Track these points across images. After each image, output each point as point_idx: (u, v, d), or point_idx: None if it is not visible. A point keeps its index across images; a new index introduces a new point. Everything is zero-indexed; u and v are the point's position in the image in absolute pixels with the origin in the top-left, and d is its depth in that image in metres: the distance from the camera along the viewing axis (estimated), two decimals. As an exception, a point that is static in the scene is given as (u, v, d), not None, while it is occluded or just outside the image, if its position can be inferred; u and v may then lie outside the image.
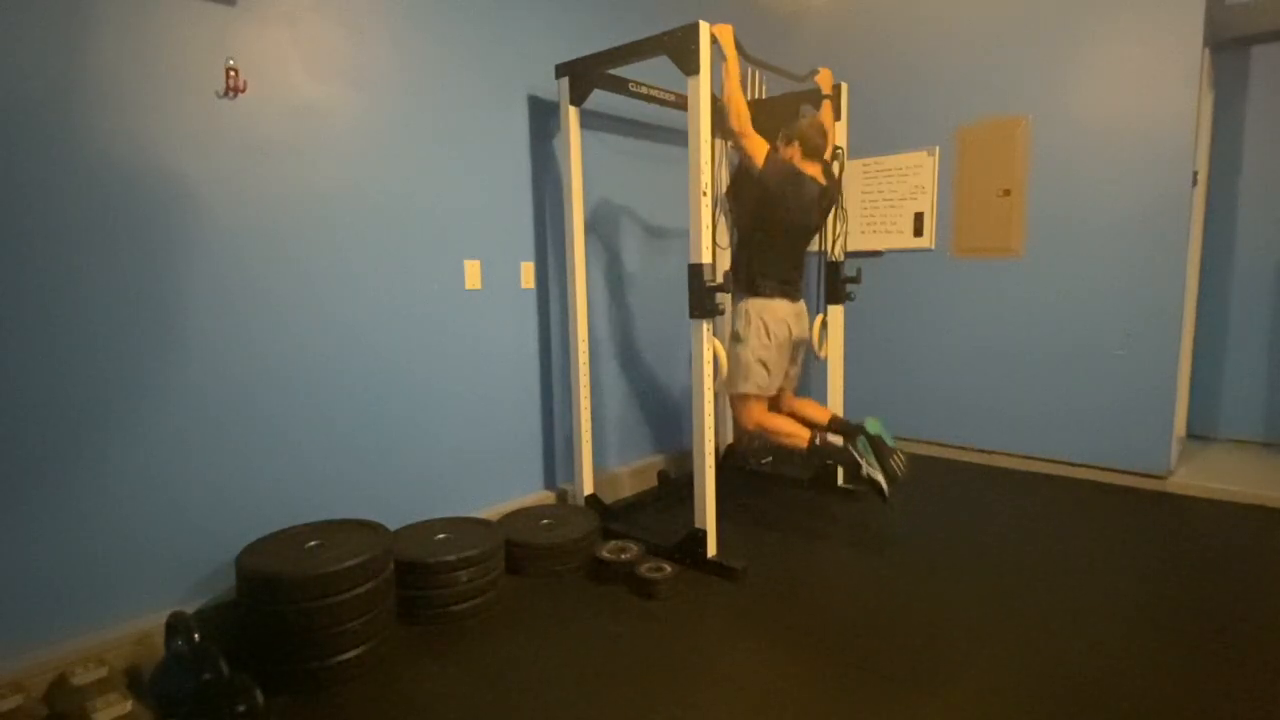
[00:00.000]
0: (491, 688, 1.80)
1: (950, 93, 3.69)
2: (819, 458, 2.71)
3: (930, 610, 2.16)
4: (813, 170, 2.67)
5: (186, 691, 1.60)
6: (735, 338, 2.76)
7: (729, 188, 3.02)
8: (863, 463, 2.56)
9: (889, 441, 2.61)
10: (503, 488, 2.81)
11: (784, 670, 1.86)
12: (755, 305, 2.71)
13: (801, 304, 2.83)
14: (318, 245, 2.19)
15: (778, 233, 2.69)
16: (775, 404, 2.86)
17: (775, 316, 2.70)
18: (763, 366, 2.70)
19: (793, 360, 2.86)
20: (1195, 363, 3.85)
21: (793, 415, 2.83)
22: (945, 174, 3.76)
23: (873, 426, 2.63)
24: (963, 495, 3.27)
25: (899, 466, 2.57)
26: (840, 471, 3.26)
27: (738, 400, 2.80)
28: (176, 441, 1.92)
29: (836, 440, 2.66)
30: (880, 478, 2.53)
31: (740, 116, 2.50)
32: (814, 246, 3.19)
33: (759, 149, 2.55)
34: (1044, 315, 3.50)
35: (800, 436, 2.67)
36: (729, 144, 3.28)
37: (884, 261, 4.01)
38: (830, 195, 2.78)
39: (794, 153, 2.66)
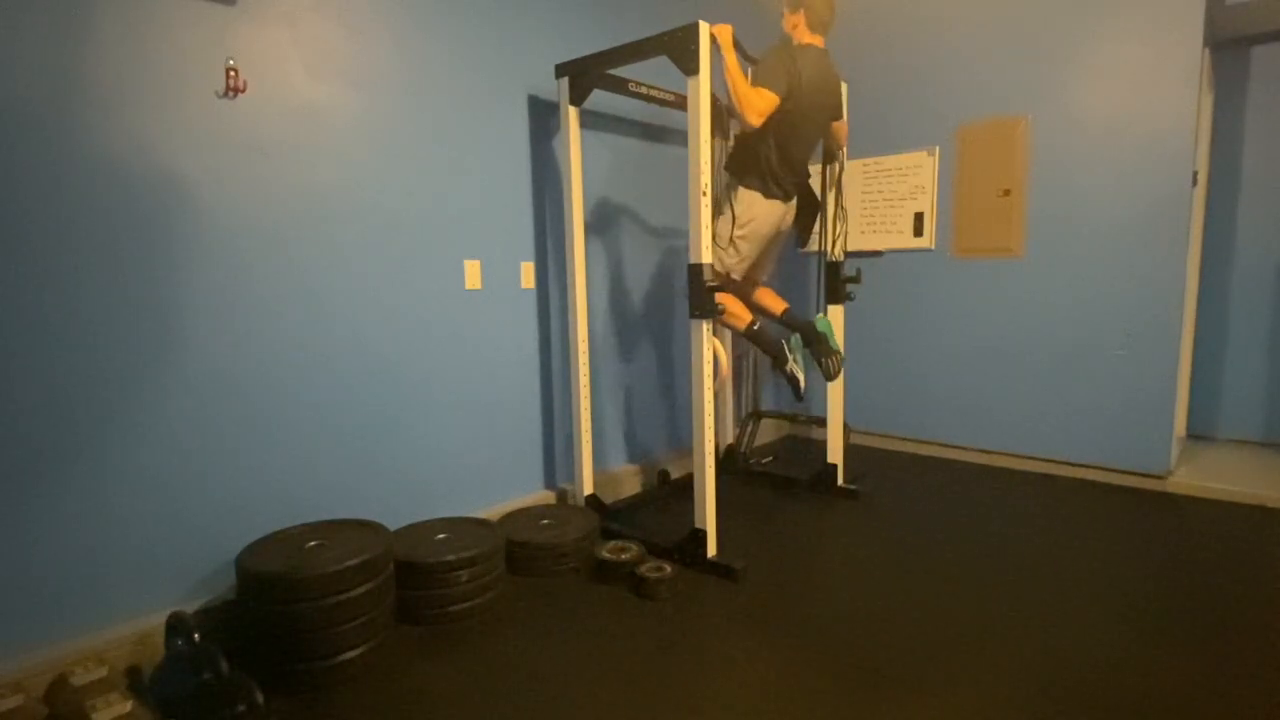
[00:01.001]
0: (491, 688, 1.80)
1: (950, 93, 3.69)
2: (753, 341, 2.80)
3: (930, 610, 2.16)
4: (814, 42, 2.59)
5: (186, 691, 1.60)
6: (719, 209, 2.68)
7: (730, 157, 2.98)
8: (789, 357, 2.67)
9: (832, 343, 2.71)
10: (503, 488, 2.81)
11: (784, 670, 1.86)
12: (748, 195, 2.66)
13: (794, 201, 2.80)
14: (317, 245, 2.19)
15: (791, 122, 2.57)
16: (739, 290, 2.85)
17: (766, 214, 2.68)
18: (734, 246, 2.68)
19: (768, 252, 2.86)
20: (1195, 363, 3.85)
21: (747, 300, 2.84)
22: (945, 174, 3.75)
23: (821, 324, 2.71)
24: (963, 495, 3.27)
25: (834, 366, 2.69)
26: (840, 471, 3.27)
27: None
28: (176, 441, 1.92)
29: (771, 331, 2.72)
30: (800, 375, 2.63)
31: (737, 81, 2.39)
32: (814, 246, 3.20)
33: (750, 107, 2.39)
34: (1044, 315, 3.50)
35: (742, 319, 2.71)
36: (728, 143, 3.27)
37: (884, 261, 4.01)
38: (838, 84, 2.75)
39: (798, 21, 2.59)
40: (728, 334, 3.32)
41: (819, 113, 2.70)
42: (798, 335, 2.72)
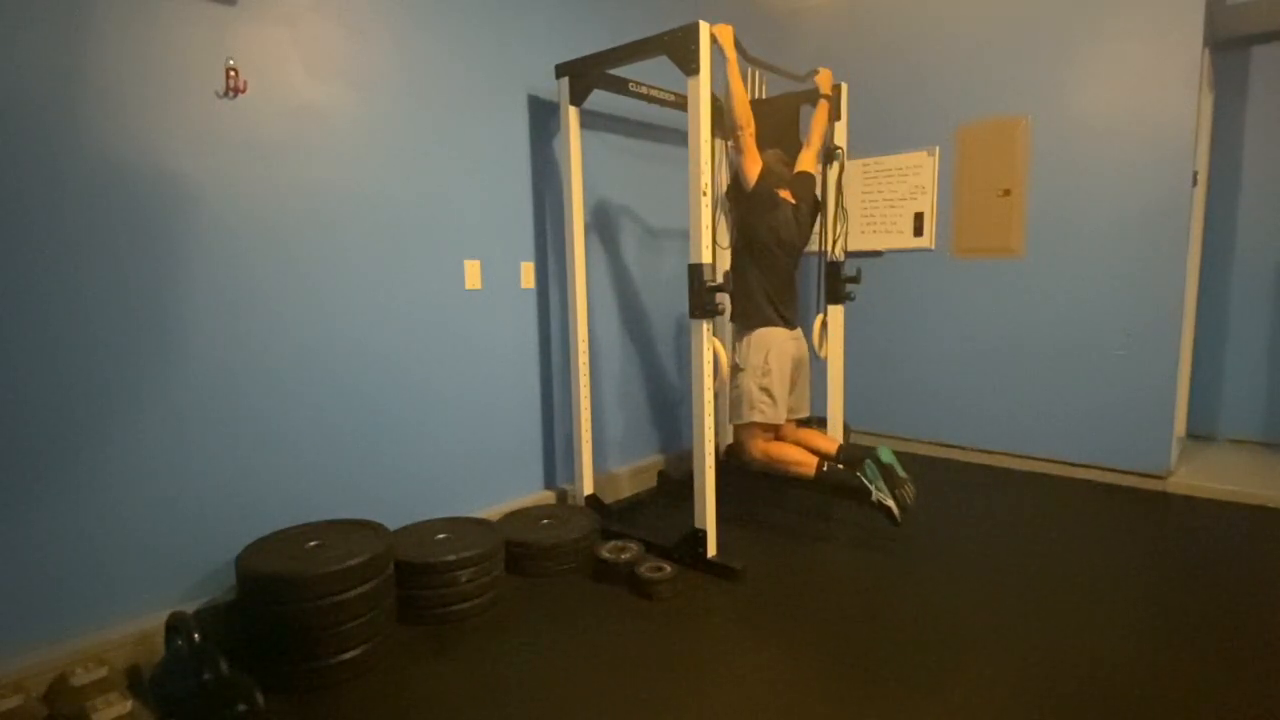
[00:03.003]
0: (491, 688, 1.80)
1: (950, 93, 3.69)
2: (828, 484, 2.72)
3: (930, 610, 2.16)
4: (784, 194, 2.70)
5: (186, 691, 1.60)
6: (737, 368, 2.76)
7: (729, 189, 3.02)
8: (872, 488, 2.57)
9: (899, 471, 2.62)
10: (503, 488, 2.81)
11: (784, 670, 1.86)
12: (756, 337, 2.72)
13: (799, 330, 2.84)
14: (317, 245, 2.19)
15: (767, 248, 2.71)
16: (780, 434, 2.85)
17: (776, 345, 2.71)
18: (767, 395, 2.70)
19: (798, 385, 2.86)
20: (1195, 363, 3.85)
21: (798, 444, 2.81)
22: (945, 174, 3.75)
23: (885, 455, 2.64)
24: (963, 495, 3.27)
25: (907, 496, 2.59)
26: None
27: (743, 431, 2.81)
28: (176, 441, 1.92)
29: (842, 468, 2.67)
30: (890, 502, 2.55)
31: (748, 135, 2.53)
32: (813, 246, 3.20)
33: (753, 167, 2.60)
34: (1044, 315, 3.50)
35: (808, 464, 2.67)
36: (729, 144, 3.28)
37: (884, 261, 4.01)
38: (809, 200, 2.82)
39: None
40: (728, 334, 3.32)
41: (788, 249, 2.77)
42: (871, 463, 2.61)
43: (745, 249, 2.76)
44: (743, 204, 2.72)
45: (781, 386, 2.72)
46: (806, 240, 2.85)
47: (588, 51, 2.63)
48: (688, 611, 2.19)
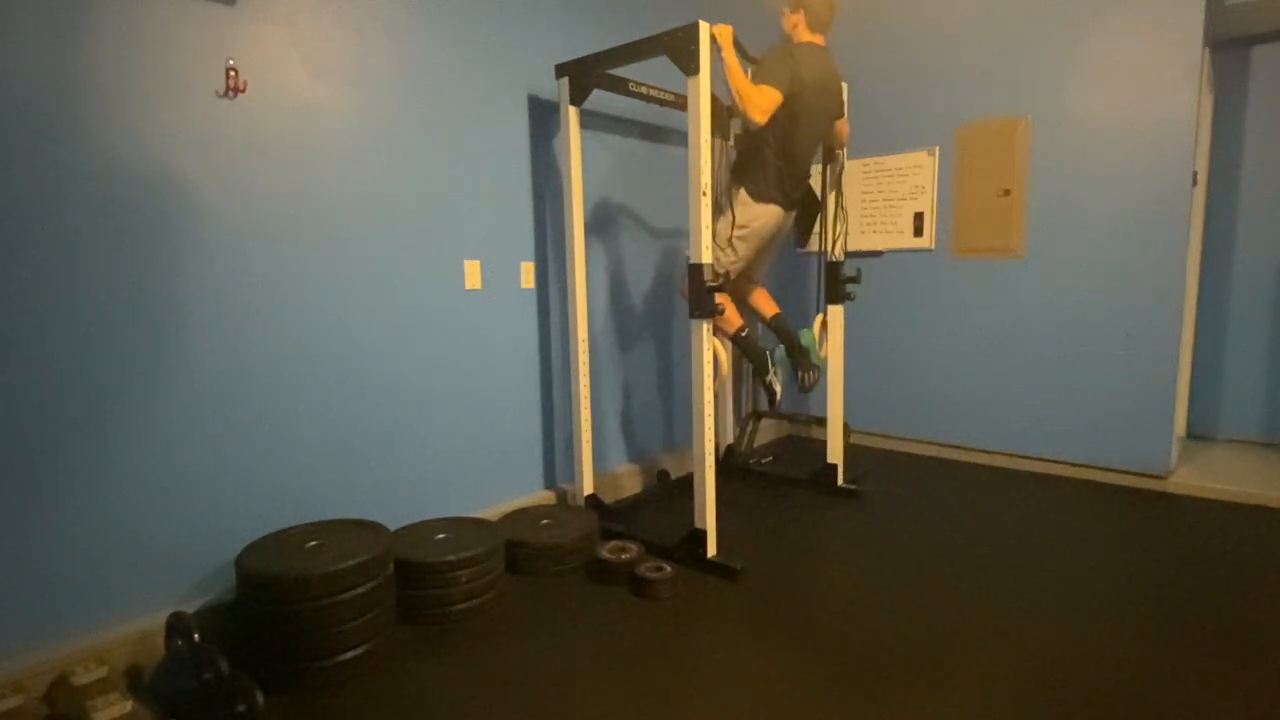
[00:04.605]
0: (491, 688, 1.80)
1: (950, 93, 3.69)
2: (739, 346, 2.84)
3: (930, 610, 2.16)
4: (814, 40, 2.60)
5: (186, 691, 1.60)
6: (719, 210, 2.71)
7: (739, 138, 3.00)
8: (770, 369, 2.73)
9: (813, 358, 2.77)
10: (503, 488, 2.81)
11: (783, 670, 1.86)
12: (754, 204, 2.69)
13: (795, 208, 2.82)
14: (317, 245, 2.19)
15: (793, 125, 2.60)
16: (734, 288, 2.88)
17: (766, 217, 2.70)
18: (731, 248, 2.71)
19: (765, 254, 2.89)
20: (1195, 363, 3.85)
21: (742, 301, 2.88)
22: (945, 174, 3.75)
23: (805, 338, 2.78)
24: (963, 495, 3.27)
25: (809, 381, 2.76)
26: (840, 471, 3.27)
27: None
28: (176, 441, 1.92)
29: (759, 340, 2.78)
30: (778, 388, 2.71)
31: (738, 78, 2.39)
32: (814, 246, 3.20)
33: (753, 105, 2.39)
34: (1044, 315, 3.50)
35: (732, 323, 2.75)
36: (729, 144, 3.28)
37: (884, 261, 4.01)
38: (839, 82, 2.74)
39: (798, 21, 2.61)
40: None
41: (820, 113, 2.71)
42: (782, 348, 2.79)
43: (769, 126, 2.55)
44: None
45: (748, 250, 2.75)
46: (829, 109, 2.76)
47: (588, 51, 2.63)
48: (687, 611, 2.19)
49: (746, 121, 2.50)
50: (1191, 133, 3.08)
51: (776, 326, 2.89)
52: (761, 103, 2.41)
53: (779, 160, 2.66)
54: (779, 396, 2.77)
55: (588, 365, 2.84)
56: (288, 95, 2.10)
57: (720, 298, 2.65)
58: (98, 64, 1.74)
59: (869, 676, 1.82)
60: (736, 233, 2.69)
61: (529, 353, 2.88)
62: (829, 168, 3.08)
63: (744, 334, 2.75)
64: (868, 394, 4.07)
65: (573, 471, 2.95)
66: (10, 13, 1.61)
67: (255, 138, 2.03)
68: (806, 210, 2.97)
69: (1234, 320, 3.80)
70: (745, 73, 2.48)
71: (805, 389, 2.81)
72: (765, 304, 2.95)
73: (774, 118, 2.50)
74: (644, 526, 2.78)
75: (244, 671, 1.67)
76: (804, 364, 2.75)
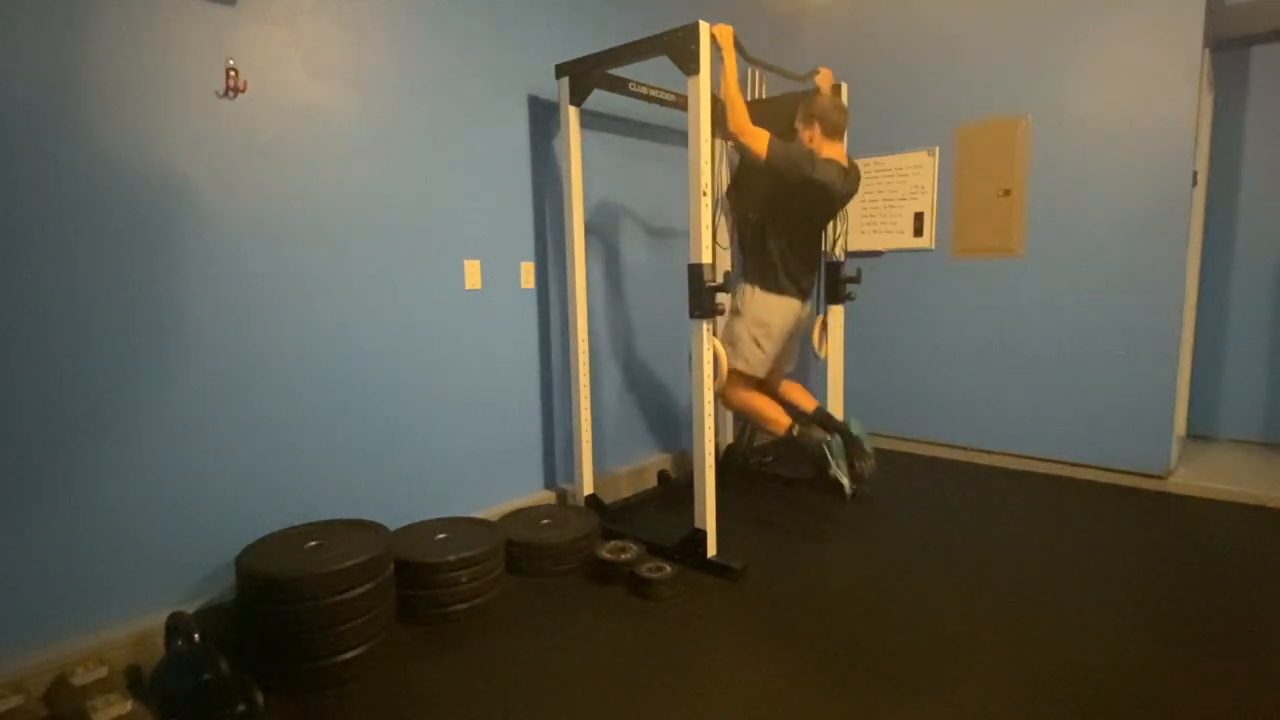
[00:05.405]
0: (491, 688, 1.80)
1: (950, 93, 3.69)
2: (792, 446, 2.75)
3: (930, 610, 2.16)
4: (834, 152, 2.62)
5: (186, 691, 1.60)
6: (735, 311, 2.74)
7: (729, 187, 3.01)
8: (831, 463, 2.60)
9: (866, 447, 2.65)
10: (503, 488, 2.81)
11: (783, 670, 1.86)
12: (767, 299, 2.69)
13: (809, 304, 2.83)
14: (317, 245, 2.19)
15: (796, 220, 2.65)
16: (764, 386, 2.86)
17: (783, 311, 2.70)
18: (756, 345, 2.70)
19: (790, 347, 2.86)
20: (1195, 363, 3.85)
21: (778, 399, 2.83)
22: (945, 174, 3.75)
23: (854, 428, 2.67)
24: (963, 495, 3.27)
25: (866, 470, 2.63)
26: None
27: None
28: (176, 442, 1.92)
29: (813, 433, 2.68)
30: (845, 480, 2.58)
31: (738, 114, 2.47)
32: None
33: (759, 140, 2.47)
34: (1044, 315, 3.50)
35: (780, 423, 2.69)
36: (729, 144, 3.28)
37: (884, 261, 4.01)
38: (854, 178, 2.72)
39: (814, 134, 2.63)
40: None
41: (824, 215, 2.74)
42: (838, 438, 2.63)
43: (771, 219, 2.67)
44: (766, 181, 2.61)
45: (773, 346, 2.73)
46: (844, 205, 2.78)
47: (588, 51, 2.63)
48: (687, 611, 2.19)
49: (748, 154, 2.54)
50: (1191, 133, 3.08)
51: (820, 420, 2.77)
52: (762, 138, 2.47)
53: (785, 252, 2.68)
54: (848, 490, 2.59)
55: (588, 365, 2.84)
56: (288, 95, 2.10)
57: (758, 399, 2.72)
58: (98, 64, 1.74)
59: (869, 676, 1.82)
60: (758, 331, 2.69)
61: (529, 353, 2.88)
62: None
63: (794, 431, 2.67)
64: (868, 394, 4.07)
65: (573, 471, 2.95)
66: (10, 13, 1.61)
67: (255, 138, 2.03)
68: None
69: (1234, 320, 3.80)
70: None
71: (862, 481, 2.65)
72: (803, 398, 2.88)
73: (776, 214, 2.60)
74: (644, 526, 2.78)
75: (244, 671, 1.67)
76: (859, 454, 2.62)
